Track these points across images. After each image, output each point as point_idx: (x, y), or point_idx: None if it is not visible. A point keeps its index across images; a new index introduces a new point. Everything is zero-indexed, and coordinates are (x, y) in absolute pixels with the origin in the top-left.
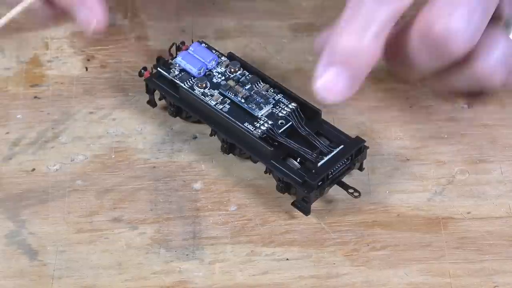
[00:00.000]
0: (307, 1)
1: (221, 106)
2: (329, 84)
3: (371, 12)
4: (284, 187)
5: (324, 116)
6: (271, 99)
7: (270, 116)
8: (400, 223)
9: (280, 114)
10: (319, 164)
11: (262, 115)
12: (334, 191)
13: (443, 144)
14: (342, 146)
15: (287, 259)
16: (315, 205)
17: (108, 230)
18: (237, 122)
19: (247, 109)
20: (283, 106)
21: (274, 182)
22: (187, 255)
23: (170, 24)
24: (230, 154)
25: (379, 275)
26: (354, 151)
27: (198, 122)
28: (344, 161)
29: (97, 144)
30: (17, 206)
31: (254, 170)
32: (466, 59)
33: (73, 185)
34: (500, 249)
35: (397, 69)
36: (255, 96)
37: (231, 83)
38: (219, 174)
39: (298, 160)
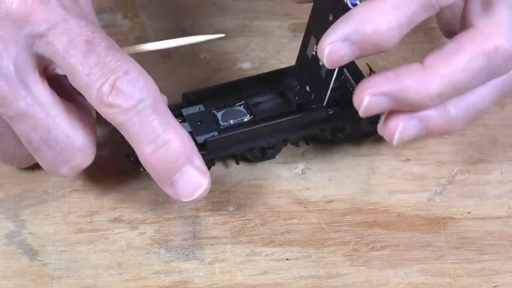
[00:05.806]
0: None
1: None
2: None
3: None
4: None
5: None
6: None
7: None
8: (400, 223)
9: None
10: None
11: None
12: (335, 190)
13: (443, 144)
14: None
15: (287, 259)
16: (315, 205)
17: (108, 230)
18: None
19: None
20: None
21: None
22: (187, 255)
23: (170, 24)
24: None
25: (379, 275)
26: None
27: None
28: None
29: (98, 144)
30: (17, 206)
31: (254, 170)
32: None
33: (73, 185)
34: (500, 249)
35: None
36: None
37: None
38: (219, 174)
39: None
